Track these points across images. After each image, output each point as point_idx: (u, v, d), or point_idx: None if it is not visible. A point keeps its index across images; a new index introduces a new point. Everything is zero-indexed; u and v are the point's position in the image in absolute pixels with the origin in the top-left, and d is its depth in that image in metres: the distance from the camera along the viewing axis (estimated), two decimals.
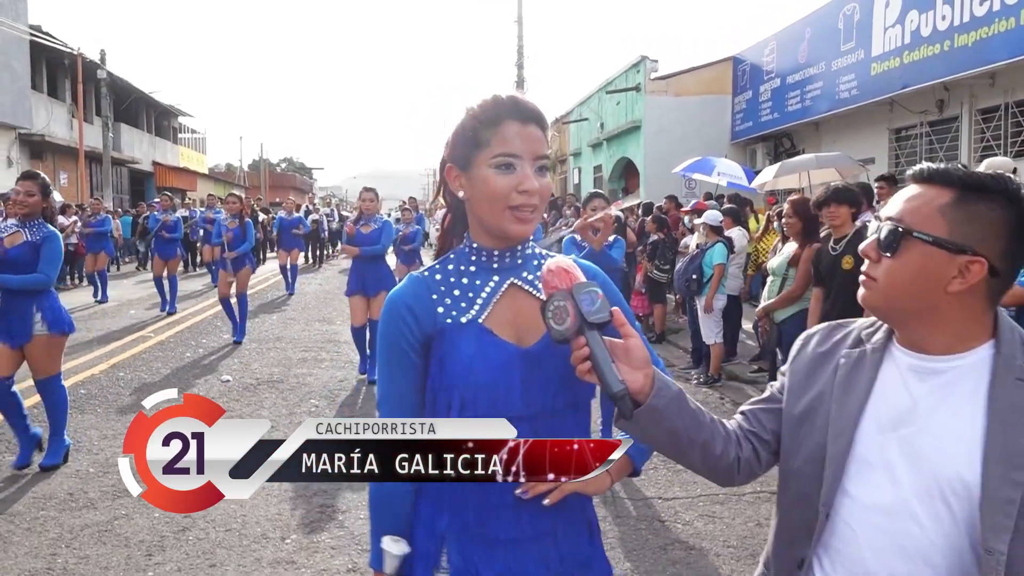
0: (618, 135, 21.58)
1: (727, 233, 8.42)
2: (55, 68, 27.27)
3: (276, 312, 12.54)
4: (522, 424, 1.31)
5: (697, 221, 8.83)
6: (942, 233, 1.18)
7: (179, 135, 42.74)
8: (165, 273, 12.15)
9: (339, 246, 24.41)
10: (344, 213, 28.25)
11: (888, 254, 1.22)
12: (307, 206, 26.49)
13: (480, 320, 1.44)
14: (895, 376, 1.26)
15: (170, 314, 11.85)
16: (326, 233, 24.57)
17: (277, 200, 38.69)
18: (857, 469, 1.25)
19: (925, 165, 1.25)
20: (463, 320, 1.44)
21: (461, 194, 1.47)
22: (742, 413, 1.46)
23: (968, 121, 11.72)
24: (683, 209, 11.37)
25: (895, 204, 1.25)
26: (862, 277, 1.28)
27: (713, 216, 8.36)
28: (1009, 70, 10.33)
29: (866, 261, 1.28)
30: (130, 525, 4.13)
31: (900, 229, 1.21)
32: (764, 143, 17.86)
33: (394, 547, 1.46)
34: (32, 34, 23.60)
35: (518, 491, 1.39)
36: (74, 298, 13.54)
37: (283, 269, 15.31)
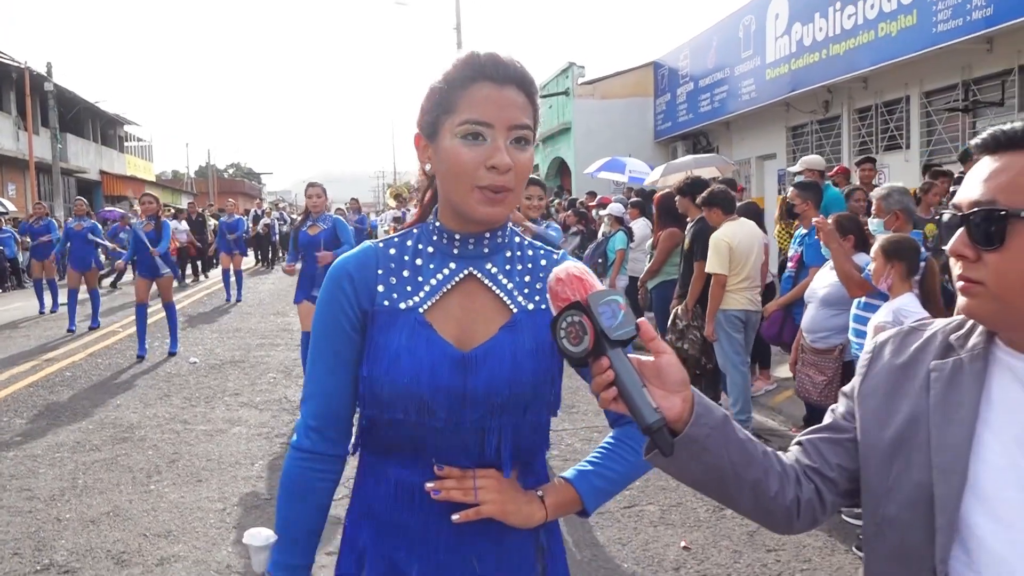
0: (552, 136, 22.94)
1: (632, 223, 9.78)
2: (0, 81, 27.65)
3: (233, 309, 13.56)
4: (452, 434, 1.23)
5: (602, 213, 10.17)
6: None
7: (125, 143, 43.00)
8: (83, 286, 11.15)
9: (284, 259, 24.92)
10: (295, 216, 29.15)
11: (991, 247, 0.97)
12: (256, 210, 27.42)
13: (421, 310, 1.26)
14: (1014, 389, 1.00)
15: (92, 329, 11.03)
16: (277, 236, 25.46)
17: (221, 207, 39.30)
18: (985, 512, 0.97)
19: (996, 129, 1.00)
20: (401, 306, 1.26)
21: (428, 167, 1.29)
22: (799, 444, 1.21)
23: (847, 120, 13.29)
24: (591, 203, 12.72)
25: (973, 186, 1.01)
26: (960, 284, 1.02)
27: (616, 208, 9.74)
28: (876, 75, 11.87)
29: (957, 264, 1.02)
30: (130, 460, 5.26)
31: (1002, 213, 0.95)
32: (684, 141, 19.36)
33: (257, 538, 1.30)
34: None
35: (429, 485, 1.24)
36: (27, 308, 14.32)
37: (225, 274, 14.85)
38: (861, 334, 3.81)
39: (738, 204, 6.42)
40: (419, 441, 1.24)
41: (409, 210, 21.47)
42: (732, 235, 5.47)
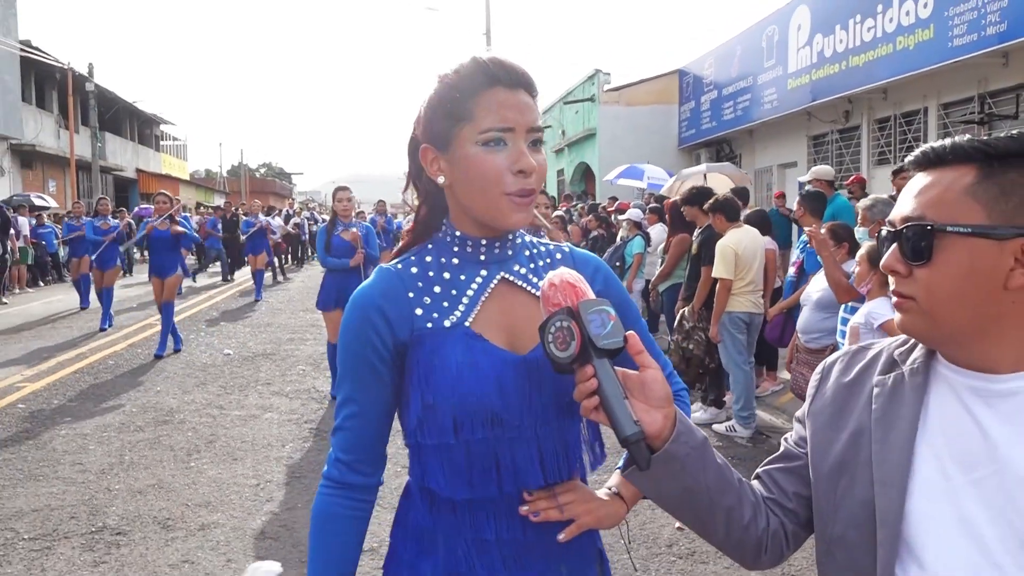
0: (577, 142, 23.31)
1: (650, 229, 10.10)
2: (43, 80, 28.56)
3: (264, 304, 14.06)
4: (527, 442, 1.22)
5: (621, 218, 10.49)
6: (980, 219, 0.95)
7: (161, 142, 44.01)
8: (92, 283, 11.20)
9: (315, 257, 25.84)
10: (324, 217, 29.84)
11: (920, 262, 0.98)
12: (287, 210, 28.07)
13: (467, 322, 1.24)
14: (951, 403, 1.01)
15: (103, 330, 10.83)
16: (307, 236, 26.04)
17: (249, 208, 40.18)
18: (922, 527, 0.98)
19: (927, 146, 1.03)
20: (446, 323, 1.23)
21: (441, 180, 1.25)
22: (757, 477, 1.22)
23: (867, 129, 13.48)
24: (610, 208, 13.05)
25: (905, 203, 1.03)
26: (894, 299, 1.04)
27: (634, 213, 10.06)
28: (896, 87, 12.07)
29: (892, 280, 1.04)
30: (171, 440, 5.69)
31: (928, 228, 0.97)
32: (707, 148, 19.60)
33: (258, 572, 1.25)
34: (23, 49, 24.89)
35: (524, 508, 1.24)
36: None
37: (254, 275, 15.23)
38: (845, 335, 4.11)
39: (746, 212, 6.75)
40: (492, 457, 1.22)
41: None
42: (737, 242, 5.77)
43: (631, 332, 1.06)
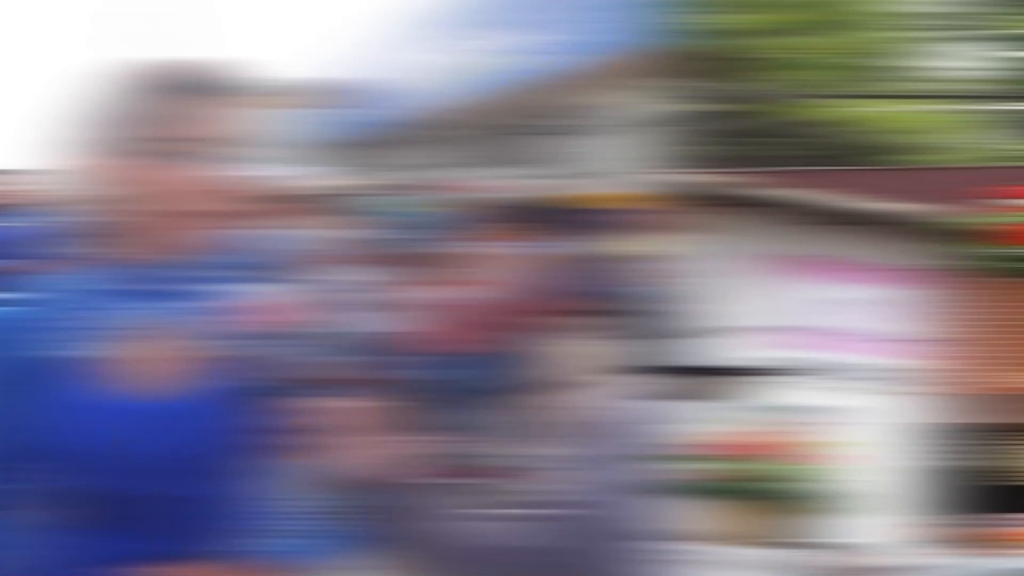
0: None
1: None
2: None
3: None
4: (150, 502, 0.97)
5: None
6: None
7: None
8: None
9: None
10: None
11: None
12: None
13: (102, 356, 1.00)
14: None
15: None
16: None
17: None
18: None
19: None
20: (79, 354, 0.99)
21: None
22: None
23: None
24: None
25: None
26: None
27: None
28: None
29: None
30: None
31: None
32: None
33: None
34: None
35: None
36: None
37: None
38: None
39: None
40: (108, 515, 0.97)
41: None
42: None
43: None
